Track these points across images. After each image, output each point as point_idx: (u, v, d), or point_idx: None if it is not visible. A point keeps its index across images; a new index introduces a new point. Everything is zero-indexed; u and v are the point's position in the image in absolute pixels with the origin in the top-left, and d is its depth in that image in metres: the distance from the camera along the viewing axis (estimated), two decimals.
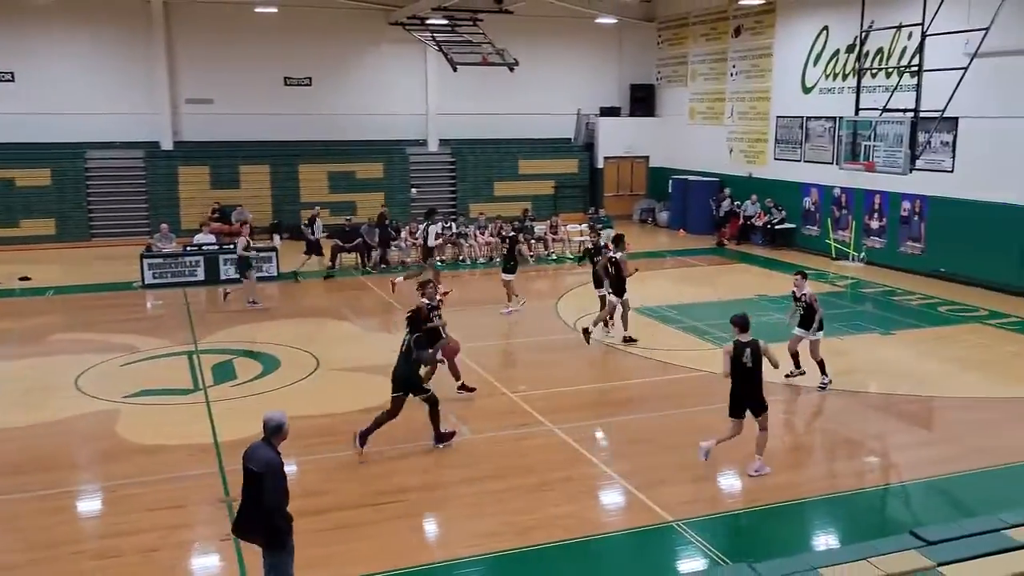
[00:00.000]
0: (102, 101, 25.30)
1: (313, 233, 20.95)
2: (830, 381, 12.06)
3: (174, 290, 18.89)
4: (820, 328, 11.98)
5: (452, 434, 10.14)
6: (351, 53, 27.64)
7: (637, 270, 14.70)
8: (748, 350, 9.06)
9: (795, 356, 12.17)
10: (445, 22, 25.25)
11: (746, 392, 9.18)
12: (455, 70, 25.22)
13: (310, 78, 27.31)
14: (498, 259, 17.19)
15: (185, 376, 12.95)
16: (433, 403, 9.92)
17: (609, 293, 14.46)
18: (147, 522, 8.33)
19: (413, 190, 27.37)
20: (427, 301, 11.17)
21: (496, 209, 25.65)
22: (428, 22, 25.50)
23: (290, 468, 9.74)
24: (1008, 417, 11.30)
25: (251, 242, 17.68)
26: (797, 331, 12.10)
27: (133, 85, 25.66)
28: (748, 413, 9.30)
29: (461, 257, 22.40)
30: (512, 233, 18.32)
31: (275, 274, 20.05)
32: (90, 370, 13.12)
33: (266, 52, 26.49)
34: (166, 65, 25.72)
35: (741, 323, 9.24)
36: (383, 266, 21.23)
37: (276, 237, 23.23)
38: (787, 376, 12.08)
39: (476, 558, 7.64)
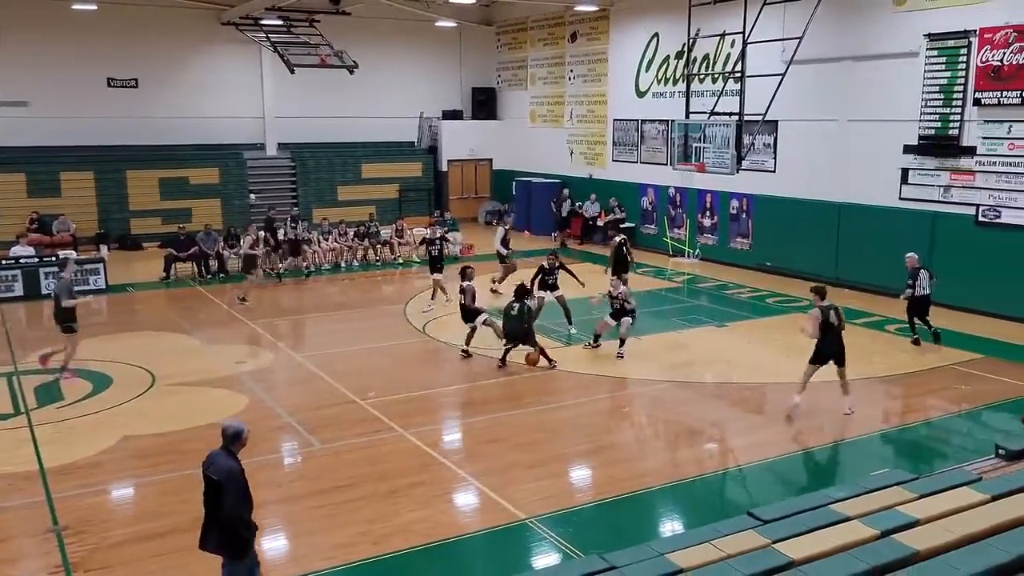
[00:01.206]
0: None
1: (296, 233, 20.67)
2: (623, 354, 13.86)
3: None
4: (631, 319, 14.05)
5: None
6: (181, 53, 26.38)
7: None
8: (832, 311, 10.67)
9: (598, 336, 14.24)
10: (280, 23, 24.59)
11: (833, 345, 10.69)
12: (292, 72, 24.60)
13: (136, 79, 25.85)
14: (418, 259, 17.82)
15: (4, 400, 11.98)
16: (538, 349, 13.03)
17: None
18: None
19: (252, 196, 26.45)
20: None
21: (340, 214, 25.21)
22: (262, 22, 24.75)
23: (126, 491, 9.34)
24: (830, 398, 12.10)
25: (257, 239, 18.37)
26: (607, 319, 14.10)
27: None
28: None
29: (305, 264, 21.82)
30: (440, 234, 18.07)
31: (103, 286, 18.91)
32: None
33: (86, 51, 24.90)
34: None
35: (821, 291, 10.89)
36: (222, 275, 20.40)
37: (103, 248, 21.96)
38: (586, 346, 14.34)
39: (332, 570, 7.47)
